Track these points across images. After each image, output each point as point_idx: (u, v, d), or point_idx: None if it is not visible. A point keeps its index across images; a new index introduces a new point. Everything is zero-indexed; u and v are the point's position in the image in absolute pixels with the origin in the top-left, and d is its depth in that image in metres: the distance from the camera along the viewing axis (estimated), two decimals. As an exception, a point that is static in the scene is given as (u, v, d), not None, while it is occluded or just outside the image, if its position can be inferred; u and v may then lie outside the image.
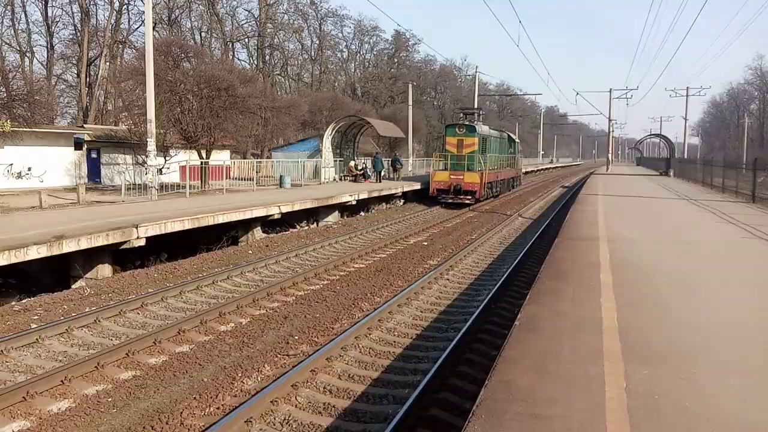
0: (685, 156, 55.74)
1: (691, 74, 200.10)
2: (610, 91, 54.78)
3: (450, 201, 27.28)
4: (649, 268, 8.92)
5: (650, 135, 72.53)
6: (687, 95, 55.78)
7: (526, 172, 67.28)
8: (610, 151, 63.23)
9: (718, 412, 4.06)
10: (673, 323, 6.07)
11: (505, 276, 12.16)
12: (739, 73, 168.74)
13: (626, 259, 9.54)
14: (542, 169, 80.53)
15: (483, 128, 30.54)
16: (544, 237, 17.48)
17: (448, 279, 12.59)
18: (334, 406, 6.37)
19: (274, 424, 5.95)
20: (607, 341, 5.42)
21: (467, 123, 29.48)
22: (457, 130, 28.73)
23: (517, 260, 13.86)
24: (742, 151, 76.61)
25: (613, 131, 62.91)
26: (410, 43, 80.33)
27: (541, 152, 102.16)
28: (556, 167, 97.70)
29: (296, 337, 8.70)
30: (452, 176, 27.31)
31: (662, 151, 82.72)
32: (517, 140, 43.08)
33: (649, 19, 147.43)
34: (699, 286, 7.87)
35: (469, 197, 27.15)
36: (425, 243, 17.51)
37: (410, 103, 47.31)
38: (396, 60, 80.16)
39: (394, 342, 8.54)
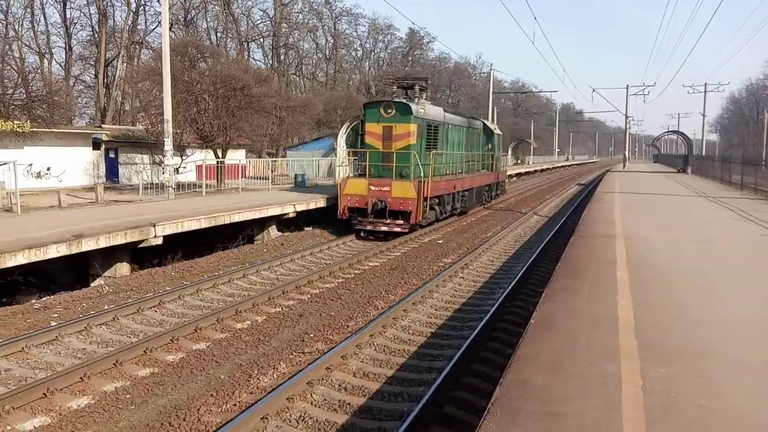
0: (703, 153, 54.97)
1: (709, 70, 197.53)
2: (626, 88, 54.40)
3: (369, 228, 17.35)
4: (666, 265, 8.84)
5: (668, 132, 71.99)
6: (705, 91, 55.15)
7: (541, 170, 66.93)
8: (627, 149, 62.68)
9: (735, 409, 4.03)
10: (689, 321, 6.02)
11: (519, 275, 12.13)
12: (758, 68, 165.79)
13: (643, 257, 9.47)
14: (558, 167, 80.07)
15: (429, 110, 18.91)
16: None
17: (462, 277, 12.58)
18: (349, 404, 6.40)
19: (290, 421, 6.00)
20: (623, 339, 5.39)
21: (400, 101, 17.85)
22: (382, 111, 17.51)
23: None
24: (761, 147, 75.32)
25: (629, 128, 62.34)
26: (424, 41, 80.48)
27: (557, 149, 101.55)
28: (572, 164, 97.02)
29: (311, 335, 8.75)
30: (372, 187, 17.14)
31: (680, 148, 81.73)
32: (497, 131, 29.25)
33: (666, 14, 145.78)
34: (716, 284, 7.79)
35: (401, 222, 17.11)
36: (440, 241, 17.49)
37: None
38: (410, 58, 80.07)
39: (409, 340, 8.56)
